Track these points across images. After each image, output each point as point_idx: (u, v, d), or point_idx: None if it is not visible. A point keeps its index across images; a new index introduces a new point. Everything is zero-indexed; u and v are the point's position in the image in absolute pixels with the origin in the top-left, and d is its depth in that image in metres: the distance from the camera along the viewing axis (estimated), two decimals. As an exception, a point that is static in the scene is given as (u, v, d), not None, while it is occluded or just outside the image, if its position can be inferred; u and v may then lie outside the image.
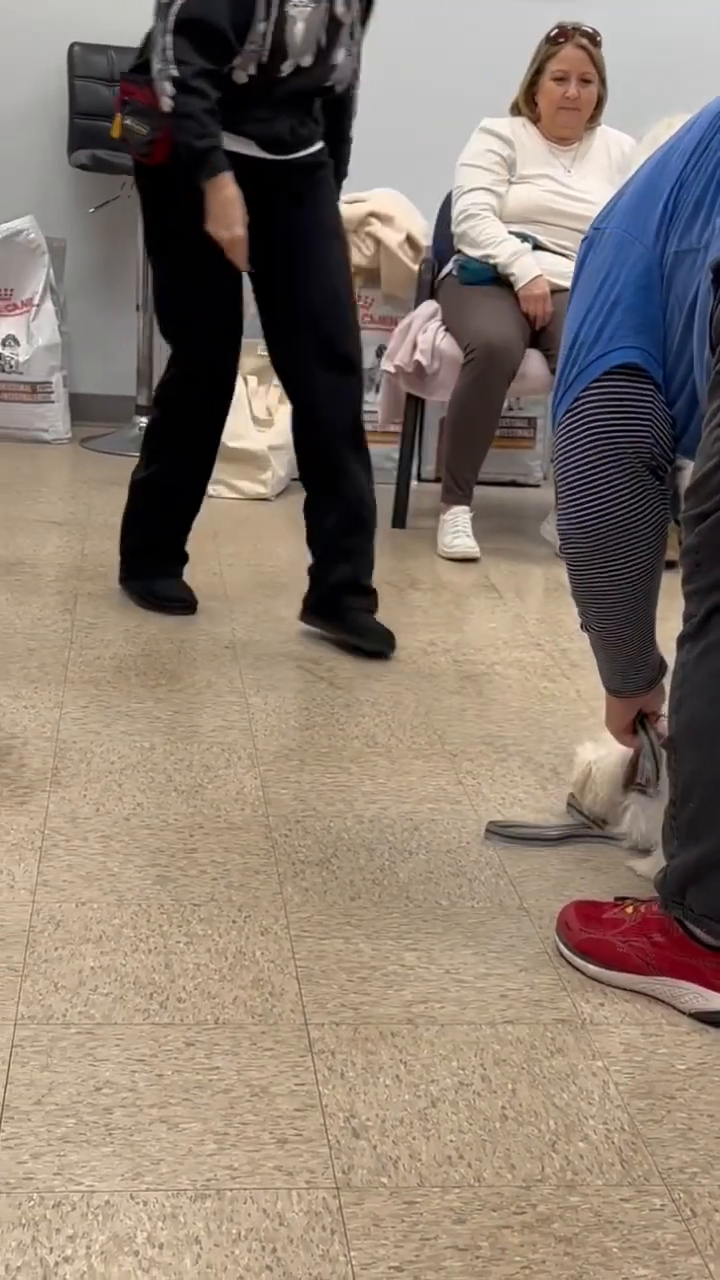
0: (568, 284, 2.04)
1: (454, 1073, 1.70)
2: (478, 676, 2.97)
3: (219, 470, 4.27)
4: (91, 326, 5.04)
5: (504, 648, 3.16)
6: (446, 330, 3.97)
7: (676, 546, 1.80)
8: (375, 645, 3.00)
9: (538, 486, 4.66)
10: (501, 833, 2.26)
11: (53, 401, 4.84)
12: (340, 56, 2.81)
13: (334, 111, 2.97)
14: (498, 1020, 1.81)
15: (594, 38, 3.94)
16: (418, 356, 3.96)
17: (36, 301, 4.78)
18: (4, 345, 4.76)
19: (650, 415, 1.85)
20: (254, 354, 4.45)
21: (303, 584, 3.12)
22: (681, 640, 1.81)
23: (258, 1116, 1.60)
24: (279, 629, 3.16)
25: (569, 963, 1.93)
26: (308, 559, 3.10)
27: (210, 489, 4.24)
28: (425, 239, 4.43)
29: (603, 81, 3.99)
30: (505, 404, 3.98)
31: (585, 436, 1.88)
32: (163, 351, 4.69)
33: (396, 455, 4.20)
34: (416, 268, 4.33)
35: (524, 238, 3.94)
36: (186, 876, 2.10)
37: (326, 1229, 1.45)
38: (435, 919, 2.03)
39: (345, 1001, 1.82)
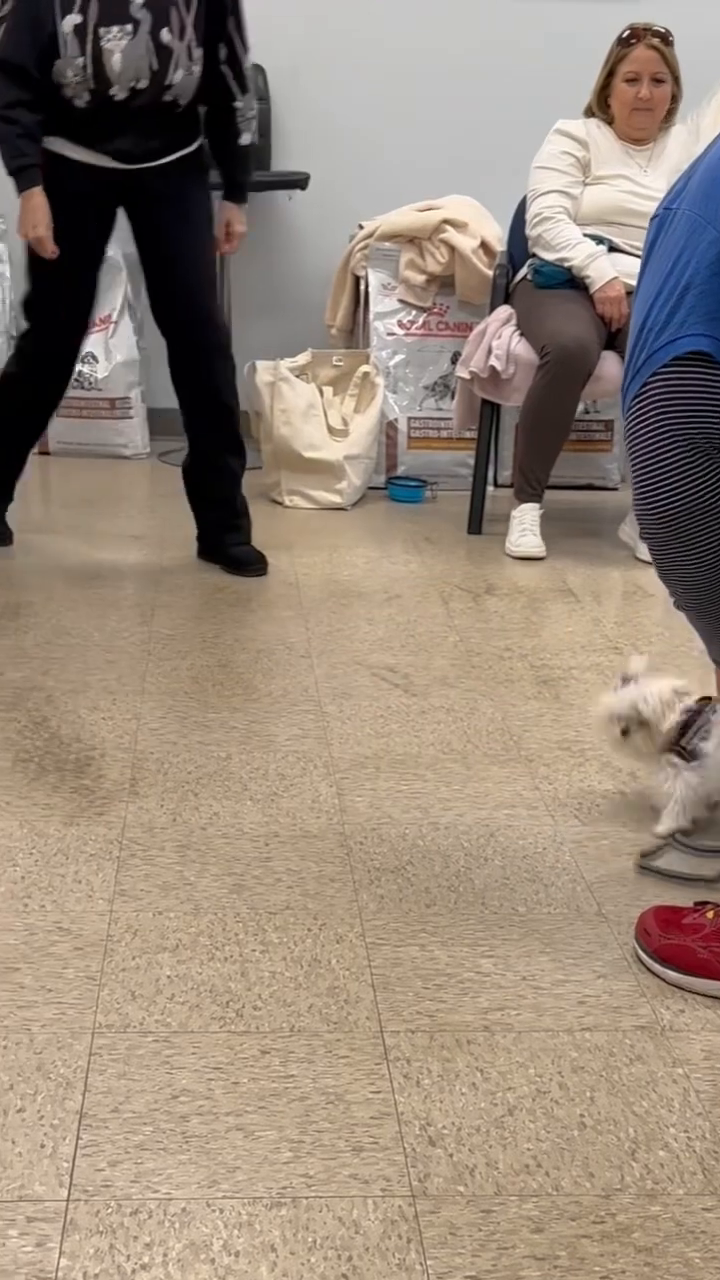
0: None
1: (531, 1080, 1.68)
2: (555, 681, 2.95)
3: (295, 480, 4.30)
4: (168, 341, 5.08)
5: (581, 652, 3.13)
6: (522, 334, 3.95)
7: None
8: (254, 572, 3.60)
9: (615, 489, 4.62)
10: (653, 868, 2.19)
11: (131, 417, 4.88)
12: (178, 77, 3.21)
13: (218, 126, 3.41)
14: (575, 1027, 1.79)
15: (666, 37, 3.90)
16: (493, 361, 3.94)
17: (114, 319, 4.83)
18: (83, 363, 4.81)
19: (719, 402, 1.82)
20: (328, 365, 4.47)
21: (380, 592, 3.12)
22: None
23: (333, 1124, 1.60)
24: (354, 638, 3.16)
25: (648, 969, 1.90)
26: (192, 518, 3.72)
27: (286, 500, 4.29)
28: (500, 244, 4.42)
29: (676, 80, 3.96)
30: (581, 407, 3.95)
31: (654, 421, 1.86)
32: (237, 366, 4.73)
33: (472, 461, 4.19)
34: (491, 273, 4.32)
35: (599, 240, 3.92)
36: (262, 885, 2.10)
37: (403, 1237, 1.44)
38: (511, 925, 2.02)
39: (421, 1009, 1.81)
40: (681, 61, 3.95)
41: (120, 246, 4.73)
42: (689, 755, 2.21)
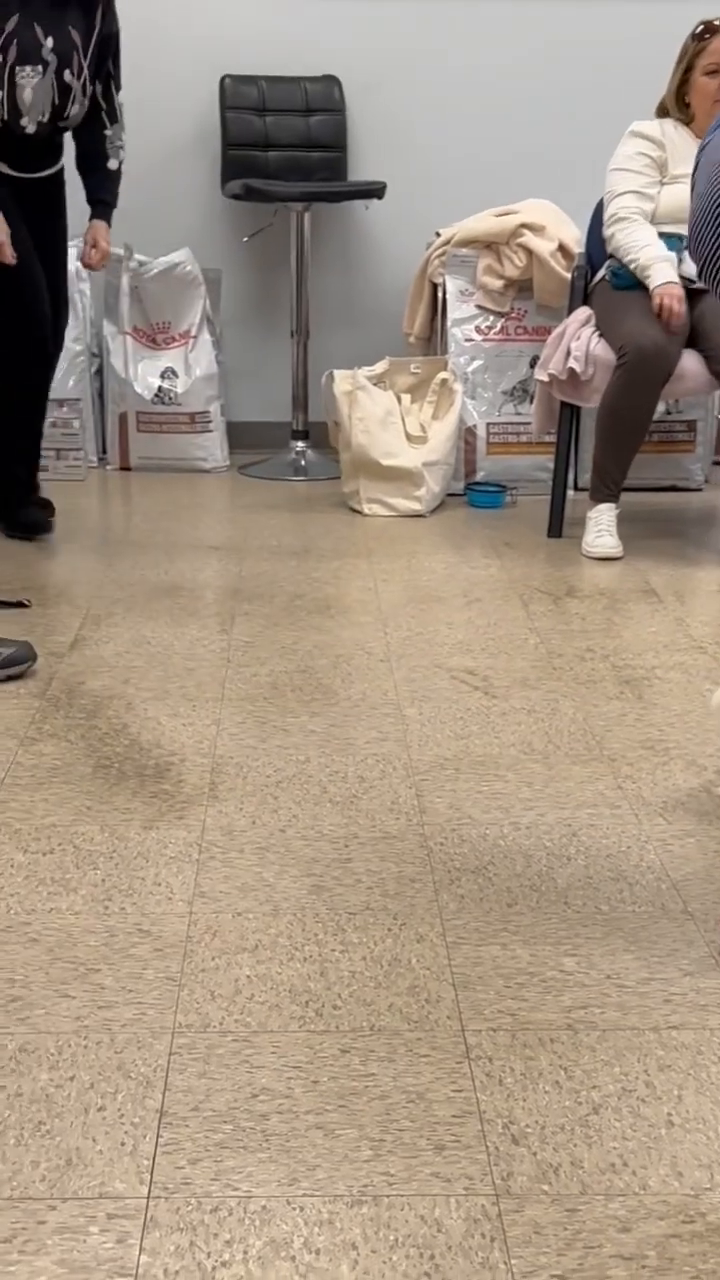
0: None
1: (616, 1079, 1.65)
2: (637, 681, 2.91)
3: (373, 488, 4.29)
4: (247, 355, 5.10)
5: (665, 652, 3.08)
6: (600, 335, 3.92)
7: None
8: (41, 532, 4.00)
9: (699, 490, 4.57)
10: None
11: (211, 431, 4.90)
12: (73, 111, 3.72)
13: (91, 151, 3.88)
14: (661, 1025, 1.75)
15: (740, 30, 3.86)
16: (572, 363, 3.91)
17: (194, 333, 4.86)
18: (163, 378, 4.85)
19: None
20: (406, 372, 4.46)
21: (459, 596, 3.09)
22: None
23: (414, 1123, 1.58)
24: (434, 641, 3.14)
25: (736, 967, 1.86)
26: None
27: (365, 508, 4.29)
28: (578, 247, 4.39)
29: (752, 72, 3.91)
30: (662, 407, 3.91)
31: None
32: (316, 377, 4.74)
33: (552, 465, 4.16)
34: (569, 276, 4.28)
35: (679, 238, 3.88)
36: (342, 886, 2.09)
37: (486, 1236, 1.41)
38: (595, 924, 1.98)
39: (503, 1008, 1.79)
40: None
41: (199, 261, 4.79)
42: None
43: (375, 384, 4.38)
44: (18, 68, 3.55)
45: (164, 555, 3.84)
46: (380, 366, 4.45)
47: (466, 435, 4.54)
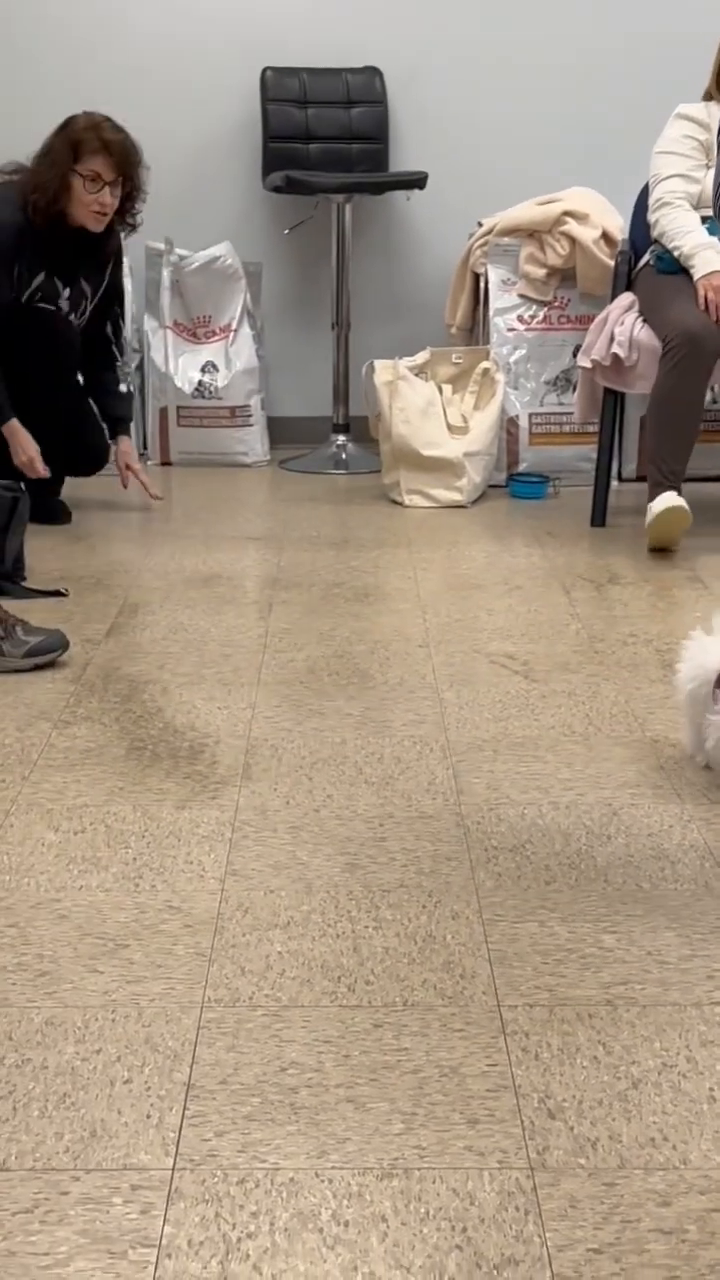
0: None
1: (656, 1054, 1.60)
2: (682, 666, 2.85)
3: (414, 479, 4.25)
4: (287, 349, 5.08)
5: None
6: (644, 321, 3.86)
7: None
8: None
9: (747, 482, 4.50)
10: None
11: (251, 425, 4.87)
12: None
13: (104, 378, 4.26)
14: (704, 1001, 1.70)
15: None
16: (615, 349, 3.86)
17: (234, 327, 4.84)
18: (203, 372, 4.83)
19: None
20: (447, 362, 4.42)
21: (500, 583, 3.05)
22: None
23: (447, 1097, 1.53)
24: (474, 627, 3.09)
25: (782, 944, 1.81)
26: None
27: (405, 499, 4.24)
28: (621, 234, 4.33)
29: None
30: (709, 395, 3.84)
31: None
32: (357, 370, 4.71)
33: (595, 455, 4.11)
34: (613, 264, 4.23)
35: (720, 219, 3.82)
36: (376, 864, 2.05)
37: (520, 1209, 1.36)
38: (635, 901, 1.93)
39: (540, 984, 1.74)
40: None
41: (240, 254, 4.76)
42: None
43: (416, 374, 4.34)
44: (37, 305, 3.96)
45: (202, 546, 3.81)
46: (421, 357, 4.41)
47: (509, 426, 4.49)
